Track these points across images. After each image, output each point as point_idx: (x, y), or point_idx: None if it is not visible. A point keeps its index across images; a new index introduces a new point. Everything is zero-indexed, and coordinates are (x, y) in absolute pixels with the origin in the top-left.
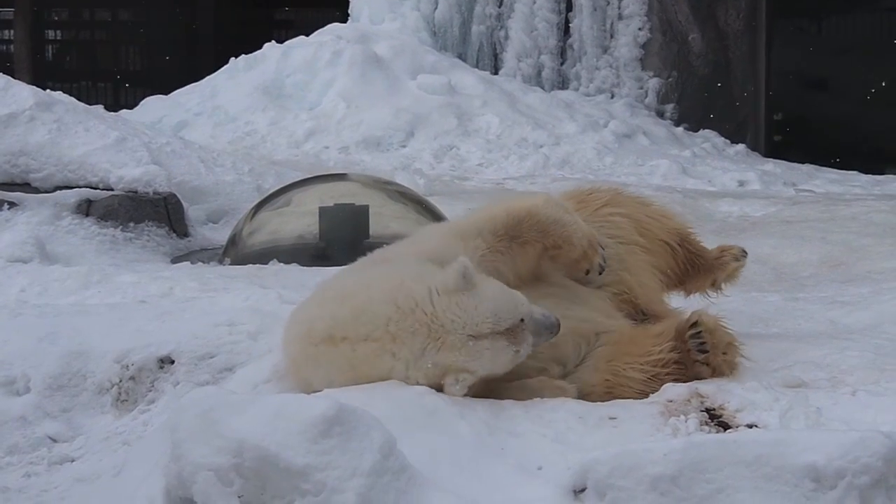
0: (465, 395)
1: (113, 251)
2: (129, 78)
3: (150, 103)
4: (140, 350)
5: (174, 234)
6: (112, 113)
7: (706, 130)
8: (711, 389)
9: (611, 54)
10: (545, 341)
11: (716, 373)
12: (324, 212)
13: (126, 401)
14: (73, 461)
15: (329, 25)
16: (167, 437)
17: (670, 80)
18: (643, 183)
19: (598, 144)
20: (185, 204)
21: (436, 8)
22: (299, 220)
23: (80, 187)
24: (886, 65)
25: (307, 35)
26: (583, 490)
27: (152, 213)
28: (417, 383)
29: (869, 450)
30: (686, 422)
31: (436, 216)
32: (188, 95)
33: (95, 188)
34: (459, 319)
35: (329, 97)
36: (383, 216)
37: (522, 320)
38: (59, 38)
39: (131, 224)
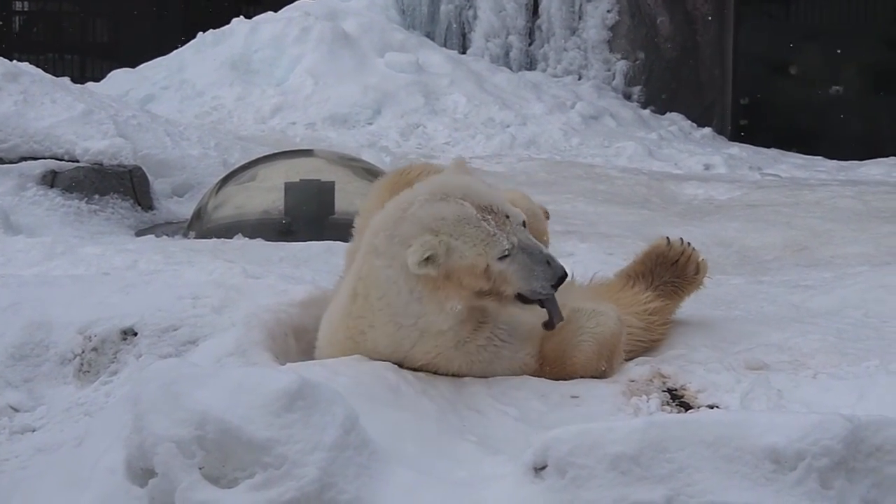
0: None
1: (77, 223)
2: (95, 50)
3: (117, 76)
4: (103, 322)
5: (139, 207)
6: (79, 85)
7: (673, 113)
8: (673, 370)
9: (579, 36)
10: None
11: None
12: (289, 187)
13: (88, 372)
14: (34, 431)
15: (297, 2)
16: (129, 408)
17: (638, 62)
18: (609, 164)
19: (565, 125)
20: (150, 177)
21: None
22: (265, 195)
23: (45, 158)
24: (853, 50)
25: (275, 11)
26: (543, 468)
27: (117, 185)
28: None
29: (829, 432)
30: (648, 402)
31: None
32: (155, 69)
33: (61, 160)
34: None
35: (296, 73)
36: (349, 193)
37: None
38: (25, 9)
39: (96, 196)
